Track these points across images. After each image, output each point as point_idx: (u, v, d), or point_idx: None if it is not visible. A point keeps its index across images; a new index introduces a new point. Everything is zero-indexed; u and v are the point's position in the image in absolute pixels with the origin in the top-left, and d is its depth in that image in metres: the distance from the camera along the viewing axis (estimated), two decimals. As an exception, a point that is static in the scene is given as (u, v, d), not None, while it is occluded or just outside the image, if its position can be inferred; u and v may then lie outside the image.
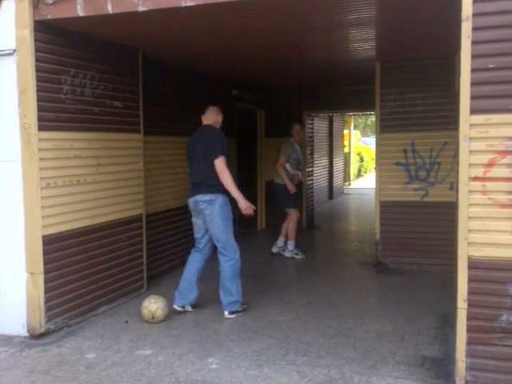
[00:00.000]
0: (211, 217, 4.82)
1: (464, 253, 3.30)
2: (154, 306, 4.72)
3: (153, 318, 4.71)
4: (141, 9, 3.96)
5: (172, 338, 4.42)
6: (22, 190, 4.33)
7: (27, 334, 4.38)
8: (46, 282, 4.41)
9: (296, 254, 7.44)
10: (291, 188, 7.27)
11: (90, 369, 3.83)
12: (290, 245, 7.48)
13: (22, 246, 4.37)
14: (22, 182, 4.32)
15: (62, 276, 4.62)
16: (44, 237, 4.39)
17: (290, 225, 7.43)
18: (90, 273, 4.96)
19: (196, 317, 4.93)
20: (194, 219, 5.03)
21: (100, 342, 4.33)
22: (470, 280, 3.30)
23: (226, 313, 4.89)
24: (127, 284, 5.50)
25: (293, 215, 7.45)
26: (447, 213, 6.02)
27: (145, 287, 5.79)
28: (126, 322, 4.66)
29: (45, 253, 4.39)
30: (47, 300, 4.44)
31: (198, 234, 5.02)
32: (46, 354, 4.10)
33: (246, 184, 9.23)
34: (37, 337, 4.37)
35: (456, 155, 3.58)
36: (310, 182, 10.55)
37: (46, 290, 4.42)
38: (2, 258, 4.46)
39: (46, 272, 4.41)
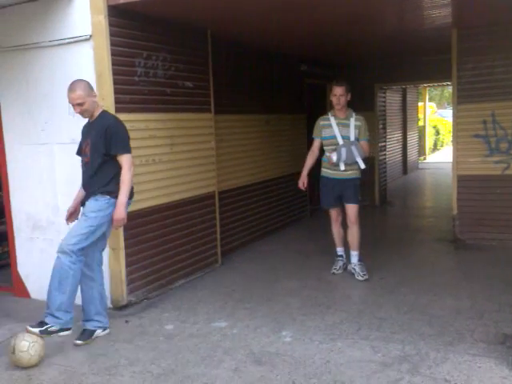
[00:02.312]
0: None
1: (549, 227, 3.13)
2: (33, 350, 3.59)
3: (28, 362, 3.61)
4: (209, -13, 4.01)
5: (246, 312, 4.53)
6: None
7: (111, 306, 4.63)
8: (126, 257, 4.64)
9: (335, 269, 5.54)
10: (300, 182, 5.39)
11: (168, 339, 4.02)
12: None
13: (103, 223, 4.60)
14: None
15: (142, 251, 4.84)
16: (124, 214, 4.60)
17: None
18: (167, 248, 5.16)
19: (268, 291, 5.02)
20: None
21: (178, 314, 4.52)
22: (556, 255, 3.14)
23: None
24: (202, 259, 5.67)
25: (330, 215, 5.59)
26: (531, 186, 5.73)
27: (219, 262, 5.95)
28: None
29: (125, 229, 4.59)
30: (128, 274, 4.67)
31: None
32: (128, 325, 4.33)
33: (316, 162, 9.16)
34: (120, 308, 4.63)
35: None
36: (383, 157, 10.29)
37: (127, 265, 4.66)
38: (86, 235, 4.72)
39: (126, 247, 4.64)
